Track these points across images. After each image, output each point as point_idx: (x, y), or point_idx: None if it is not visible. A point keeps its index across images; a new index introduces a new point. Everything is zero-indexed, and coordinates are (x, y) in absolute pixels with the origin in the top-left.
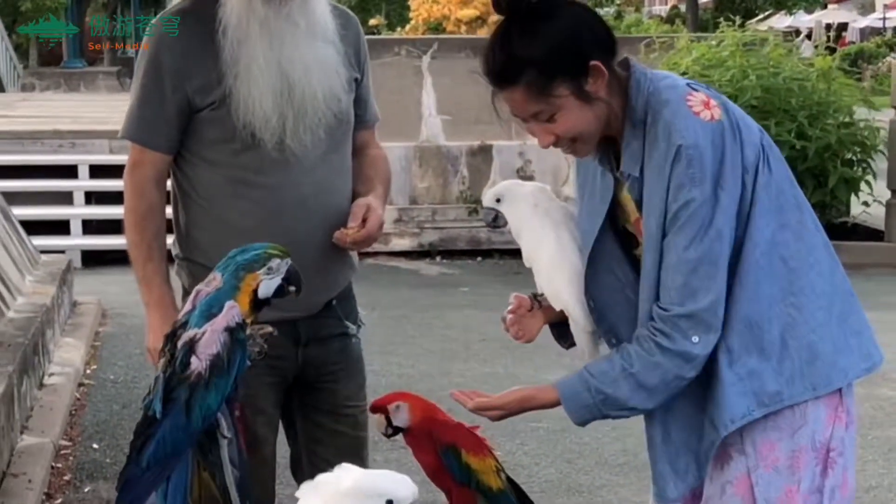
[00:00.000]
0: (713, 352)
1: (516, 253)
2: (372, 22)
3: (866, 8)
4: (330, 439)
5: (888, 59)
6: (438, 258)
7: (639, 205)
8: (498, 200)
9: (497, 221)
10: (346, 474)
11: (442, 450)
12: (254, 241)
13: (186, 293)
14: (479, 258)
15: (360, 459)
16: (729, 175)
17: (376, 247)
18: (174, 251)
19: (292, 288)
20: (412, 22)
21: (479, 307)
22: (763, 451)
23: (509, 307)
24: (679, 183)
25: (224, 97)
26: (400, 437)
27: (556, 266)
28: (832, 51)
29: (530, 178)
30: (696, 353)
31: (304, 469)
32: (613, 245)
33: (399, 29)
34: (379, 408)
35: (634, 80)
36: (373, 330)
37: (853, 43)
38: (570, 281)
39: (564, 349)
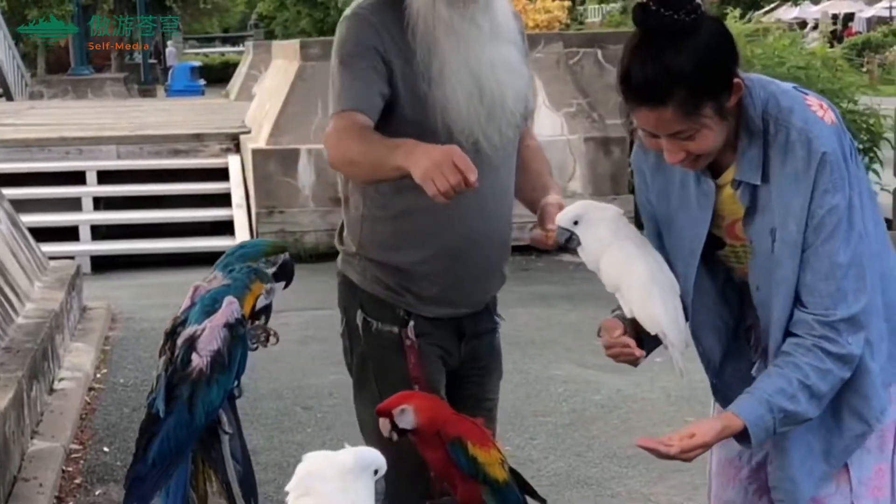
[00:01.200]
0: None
1: (524, 249)
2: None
3: None
4: None
5: (895, 48)
6: None
7: (749, 210)
8: (576, 223)
9: (570, 243)
10: (343, 453)
11: (449, 443)
12: (439, 239)
13: (352, 288)
14: None
15: None
16: (853, 175)
17: None
18: (343, 247)
19: (283, 282)
20: None
21: None
22: None
23: (604, 340)
24: (824, 189)
25: (421, 99)
26: None
27: (648, 290)
28: (836, 39)
29: None
30: (856, 354)
31: None
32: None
33: None
34: (384, 412)
35: (747, 88)
36: None
37: (860, 33)
38: (665, 304)
39: (633, 365)
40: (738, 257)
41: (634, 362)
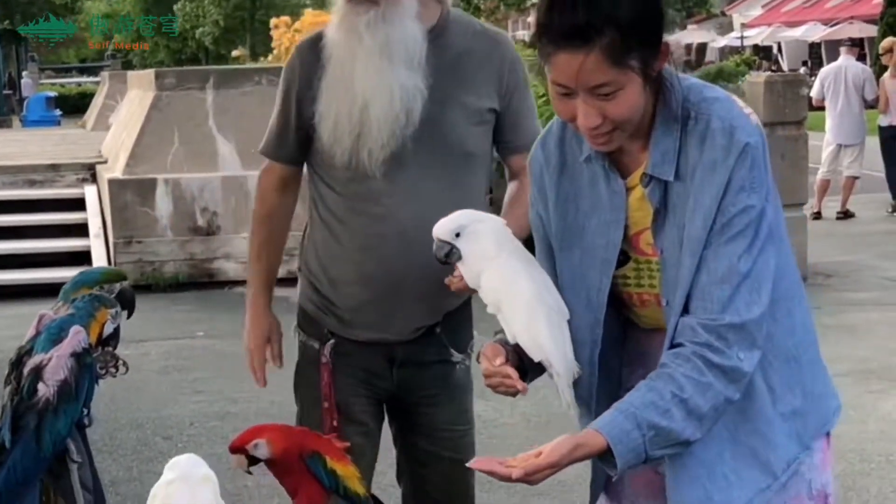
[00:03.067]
0: (755, 386)
1: None
2: (235, 53)
3: (724, 28)
4: (427, 459)
5: (747, 77)
6: None
7: (658, 214)
8: (457, 234)
9: (450, 257)
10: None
11: (308, 458)
12: (356, 265)
13: (299, 307)
14: None
15: (464, 482)
16: (772, 188)
17: (244, 275)
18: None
19: (113, 342)
20: (275, 51)
21: None
22: None
23: (484, 367)
24: (741, 185)
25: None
26: None
27: (533, 312)
28: (690, 68)
29: None
30: (744, 371)
31: (406, 481)
32: None
33: (262, 59)
34: (237, 449)
35: (669, 73)
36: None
37: (713, 62)
38: (551, 328)
39: (514, 396)
40: (637, 277)
41: (515, 394)
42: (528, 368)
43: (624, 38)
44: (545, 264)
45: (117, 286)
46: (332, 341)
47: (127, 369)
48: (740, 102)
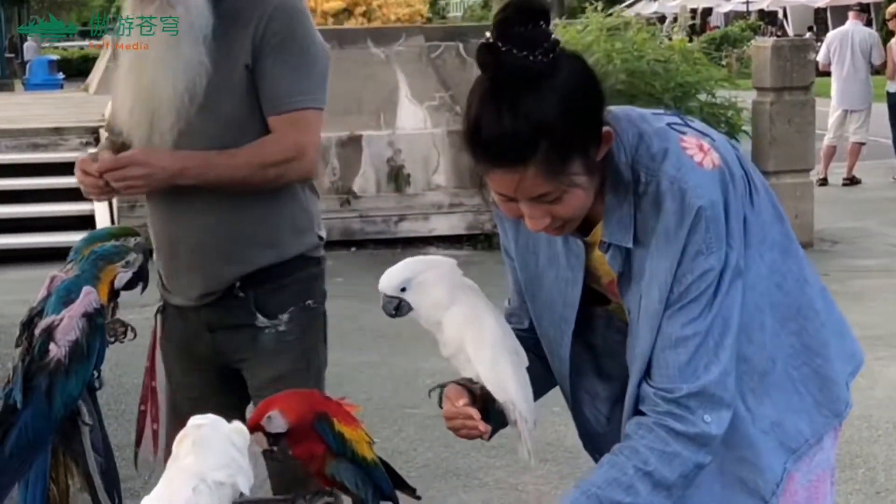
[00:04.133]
0: (735, 413)
1: (390, 242)
2: None
3: None
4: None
5: (752, 42)
6: None
7: (622, 276)
8: (403, 289)
9: (400, 311)
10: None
11: (315, 418)
12: (154, 233)
13: None
14: (352, 248)
15: None
16: (735, 229)
17: None
18: None
19: (140, 283)
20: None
21: (354, 297)
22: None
23: (446, 409)
24: (696, 250)
25: None
26: None
27: (498, 351)
28: (694, 33)
29: (400, 168)
30: (712, 434)
31: None
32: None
33: None
34: (254, 427)
35: (616, 133)
36: None
37: (718, 27)
38: (515, 370)
39: (486, 440)
40: (622, 311)
41: (477, 437)
42: (492, 414)
43: (559, 148)
44: (516, 300)
45: (131, 240)
46: (159, 304)
47: (135, 335)
48: (692, 145)
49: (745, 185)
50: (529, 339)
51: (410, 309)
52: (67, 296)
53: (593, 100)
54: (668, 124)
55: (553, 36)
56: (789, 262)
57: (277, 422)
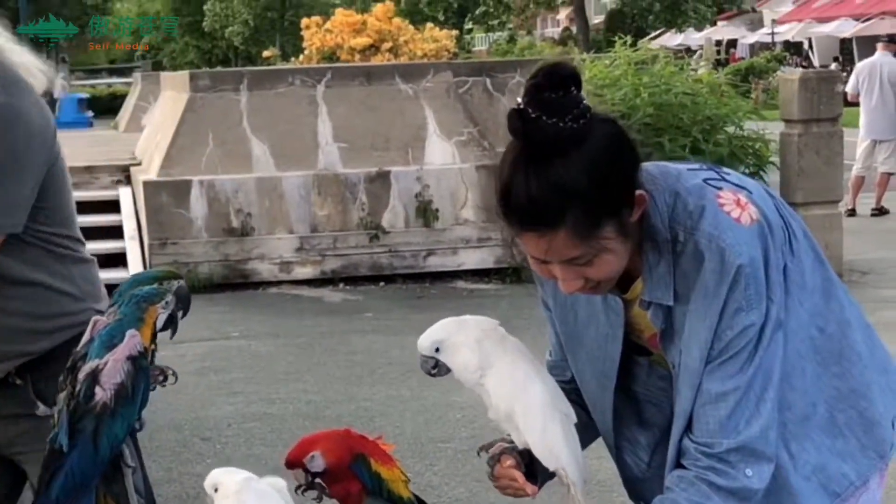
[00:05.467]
0: (778, 460)
1: (418, 277)
2: (266, 54)
3: (755, 24)
4: None
5: (778, 72)
6: (341, 285)
7: (665, 332)
8: (437, 349)
9: (438, 371)
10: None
11: (353, 461)
12: None
13: None
14: (381, 283)
15: None
16: (775, 281)
17: (279, 275)
18: None
19: (181, 313)
20: (306, 51)
21: (384, 332)
22: None
23: (497, 470)
24: (737, 307)
25: None
26: None
27: (548, 418)
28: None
29: (429, 202)
30: (754, 489)
31: None
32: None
33: (293, 59)
34: (294, 463)
35: (650, 195)
36: (278, 358)
37: (743, 58)
38: (566, 436)
39: (532, 499)
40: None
41: (524, 496)
42: (539, 472)
43: (590, 212)
44: (557, 350)
45: (174, 283)
46: None
47: (176, 379)
48: (728, 201)
49: (784, 233)
50: (572, 390)
51: (447, 371)
52: (111, 340)
53: (625, 165)
54: (705, 180)
55: (584, 102)
56: (832, 304)
57: (318, 462)
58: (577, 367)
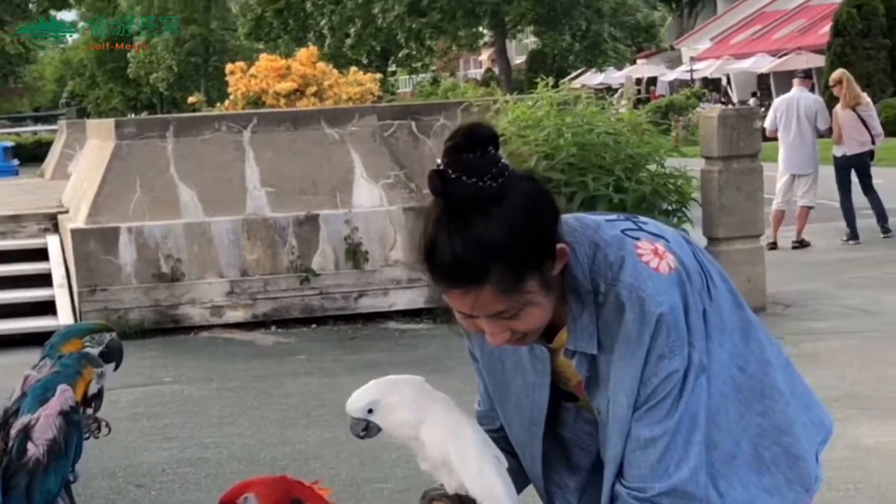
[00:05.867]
0: (708, 499)
1: (350, 318)
2: (191, 99)
3: (674, 61)
4: None
5: (697, 110)
6: (273, 328)
7: (589, 380)
8: (370, 411)
9: (369, 433)
10: None
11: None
12: None
13: None
14: (313, 326)
15: None
16: (695, 325)
17: (210, 320)
18: None
19: (112, 363)
20: (231, 97)
21: (317, 374)
22: None
23: None
24: (660, 355)
25: None
26: None
27: (484, 463)
28: (640, 102)
29: (358, 245)
30: None
31: None
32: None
33: (219, 104)
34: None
35: (571, 248)
36: (212, 402)
37: (663, 96)
38: (501, 476)
39: None
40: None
41: None
42: None
43: (513, 268)
44: (486, 401)
45: (106, 336)
46: None
47: (109, 430)
48: (646, 251)
49: (702, 278)
50: (501, 439)
51: (379, 430)
52: (44, 394)
53: (545, 219)
54: (623, 231)
55: (502, 161)
56: (751, 345)
57: None
58: (505, 415)
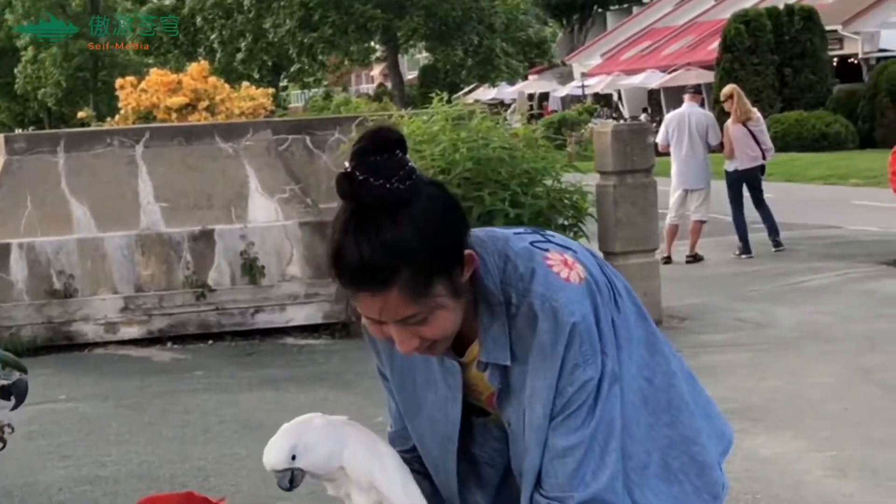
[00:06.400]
0: None
1: (247, 334)
2: (80, 114)
3: (565, 77)
4: None
5: (590, 124)
6: (169, 344)
7: (501, 392)
8: (294, 457)
9: (295, 482)
10: None
11: None
12: None
13: None
14: (210, 341)
15: None
16: (607, 335)
17: (105, 336)
18: None
19: (12, 399)
20: (122, 111)
21: (215, 390)
22: None
23: None
24: (574, 364)
25: None
26: None
27: (407, 476)
28: (533, 117)
29: (254, 260)
30: None
31: None
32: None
33: (109, 119)
34: None
35: (480, 257)
36: (109, 420)
37: (555, 111)
38: (422, 491)
39: None
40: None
41: None
42: None
43: (421, 271)
44: (397, 421)
45: (16, 375)
46: None
47: (13, 430)
48: (556, 261)
49: (609, 290)
50: (414, 459)
51: (303, 476)
52: None
53: (453, 224)
54: (531, 243)
55: (409, 164)
56: (657, 357)
57: None
58: (416, 432)
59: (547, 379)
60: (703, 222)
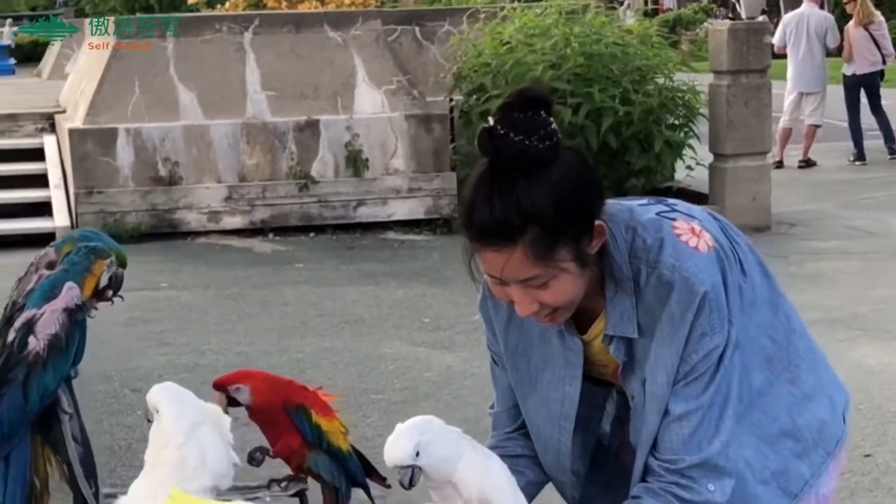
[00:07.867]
0: (738, 471)
1: (349, 228)
2: (191, 0)
3: None
4: None
5: (705, 24)
6: (271, 235)
7: (626, 365)
8: (418, 454)
9: (415, 480)
10: None
11: (293, 410)
12: None
13: None
14: (312, 234)
15: None
16: (734, 303)
17: (207, 225)
18: None
19: (110, 292)
20: None
21: (315, 283)
22: None
23: None
24: (702, 332)
25: None
26: None
27: (517, 492)
28: (647, 15)
29: (359, 152)
30: (717, 502)
31: None
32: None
33: (219, 5)
34: (220, 386)
35: (610, 231)
36: (209, 309)
37: (671, 10)
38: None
39: None
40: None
41: None
42: None
43: (548, 233)
44: (501, 401)
45: (114, 269)
46: None
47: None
48: (684, 230)
49: (734, 255)
50: (519, 436)
51: (421, 474)
52: (52, 290)
53: (587, 193)
54: (658, 213)
55: (552, 125)
56: (779, 315)
57: (243, 395)
58: (528, 411)
59: (674, 346)
60: (817, 127)
